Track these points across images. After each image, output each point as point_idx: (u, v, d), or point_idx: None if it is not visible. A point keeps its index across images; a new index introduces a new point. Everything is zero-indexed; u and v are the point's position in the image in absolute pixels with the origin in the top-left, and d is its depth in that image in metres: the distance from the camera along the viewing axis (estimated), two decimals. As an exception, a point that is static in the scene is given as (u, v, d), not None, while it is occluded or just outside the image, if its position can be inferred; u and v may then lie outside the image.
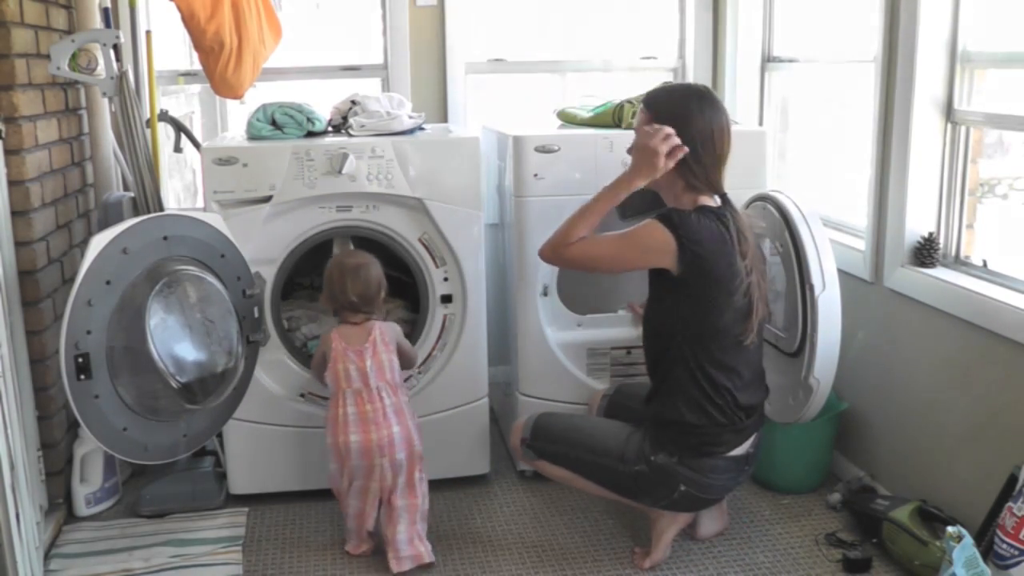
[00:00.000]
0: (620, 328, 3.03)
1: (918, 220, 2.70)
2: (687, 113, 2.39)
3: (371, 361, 2.60)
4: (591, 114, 3.10)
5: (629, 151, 2.50)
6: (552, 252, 2.51)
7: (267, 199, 2.75)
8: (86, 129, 3.14)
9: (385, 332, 2.66)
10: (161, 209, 2.94)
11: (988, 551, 2.17)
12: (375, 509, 2.65)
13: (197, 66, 3.24)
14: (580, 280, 3.17)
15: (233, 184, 2.73)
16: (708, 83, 3.75)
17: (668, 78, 3.81)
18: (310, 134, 2.91)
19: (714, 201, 2.43)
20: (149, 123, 3.02)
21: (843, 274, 2.63)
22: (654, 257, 2.36)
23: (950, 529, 2.13)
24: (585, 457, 2.52)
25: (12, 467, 2.17)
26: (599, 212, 2.47)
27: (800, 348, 2.59)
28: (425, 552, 2.59)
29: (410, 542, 2.59)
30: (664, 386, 2.45)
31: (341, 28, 3.83)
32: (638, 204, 3.22)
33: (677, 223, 2.33)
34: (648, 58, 3.86)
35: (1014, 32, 2.51)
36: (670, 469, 2.42)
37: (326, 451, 2.64)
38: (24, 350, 2.59)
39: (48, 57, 2.76)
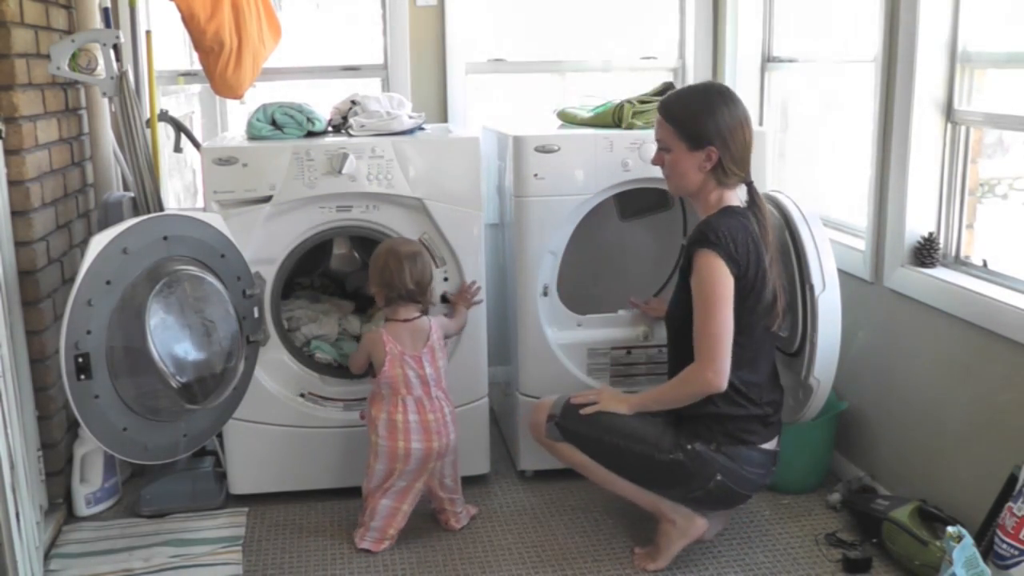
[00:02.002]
0: (620, 328, 3.03)
1: (918, 220, 2.70)
2: (708, 115, 2.38)
3: (431, 369, 2.64)
4: (591, 114, 3.10)
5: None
6: (708, 378, 2.34)
7: (267, 199, 2.75)
8: (86, 129, 3.14)
9: (440, 333, 2.70)
10: (161, 209, 2.94)
11: (988, 551, 2.17)
12: (412, 507, 2.68)
13: (197, 66, 3.24)
14: (580, 280, 3.18)
15: (233, 184, 2.73)
16: (708, 83, 3.75)
17: (668, 78, 3.80)
18: (310, 134, 2.91)
19: (739, 194, 2.45)
20: (149, 123, 3.02)
21: (843, 274, 2.63)
22: (729, 280, 2.33)
23: (950, 529, 2.13)
24: (618, 443, 2.46)
25: (12, 467, 2.17)
26: (650, 403, 2.51)
27: (800, 348, 2.59)
28: (470, 508, 2.84)
29: (463, 506, 2.80)
30: None
31: (341, 28, 3.83)
32: (637, 204, 3.24)
33: (714, 241, 2.32)
34: (648, 58, 3.86)
35: (1014, 32, 2.51)
36: (707, 457, 2.40)
37: (373, 452, 2.65)
38: (24, 350, 2.59)
39: (48, 57, 2.76)
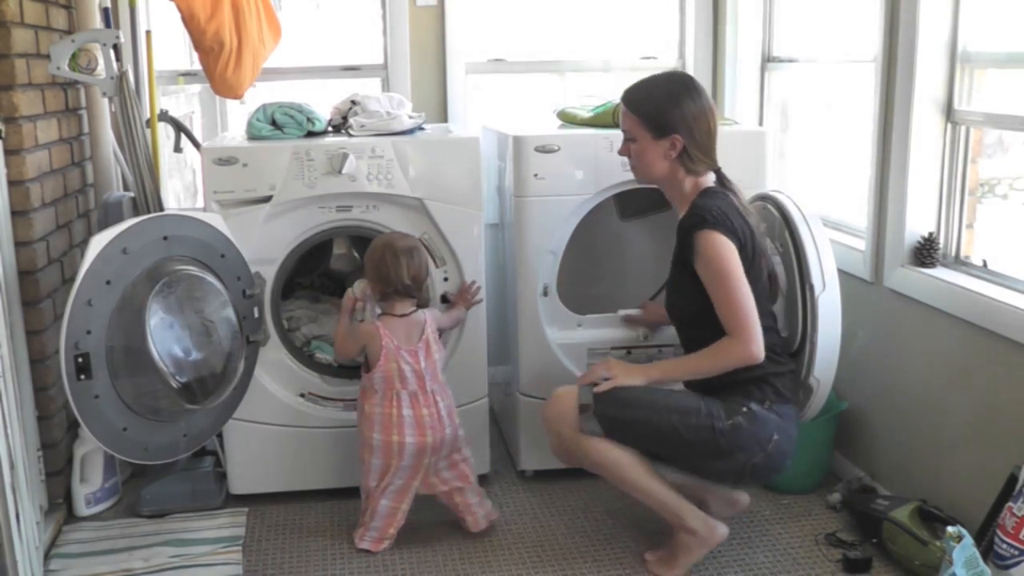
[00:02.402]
0: (620, 328, 3.03)
1: (918, 220, 2.70)
2: (672, 104, 2.42)
3: (426, 363, 2.63)
4: (591, 114, 3.10)
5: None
6: (750, 350, 2.33)
7: (267, 199, 2.75)
8: (86, 129, 3.14)
9: (434, 327, 2.69)
10: (161, 209, 2.95)
11: (988, 551, 2.17)
12: (409, 506, 2.68)
13: (197, 66, 3.24)
14: (580, 280, 3.18)
15: (233, 184, 2.73)
16: (708, 83, 3.75)
17: (668, 78, 3.80)
18: (310, 134, 2.91)
19: (710, 179, 2.47)
20: (149, 123, 3.03)
21: (843, 274, 2.63)
22: (737, 255, 2.35)
23: (950, 529, 2.13)
24: (671, 420, 2.37)
25: (12, 467, 2.17)
26: (677, 374, 2.49)
27: (800, 348, 2.59)
28: (492, 512, 2.77)
29: (479, 501, 2.74)
30: None
31: (341, 28, 3.83)
32: (637, 204, 3.24)
33: (712, 220, 2.34)
34: (648, 58, 3.86)
35: (1014, 32, 2.51)
36: (764, 416, 2.38)
37: (368, 447, 2.64)
38: (24, 350, 2.59)
39: (48, 57, 2.76)
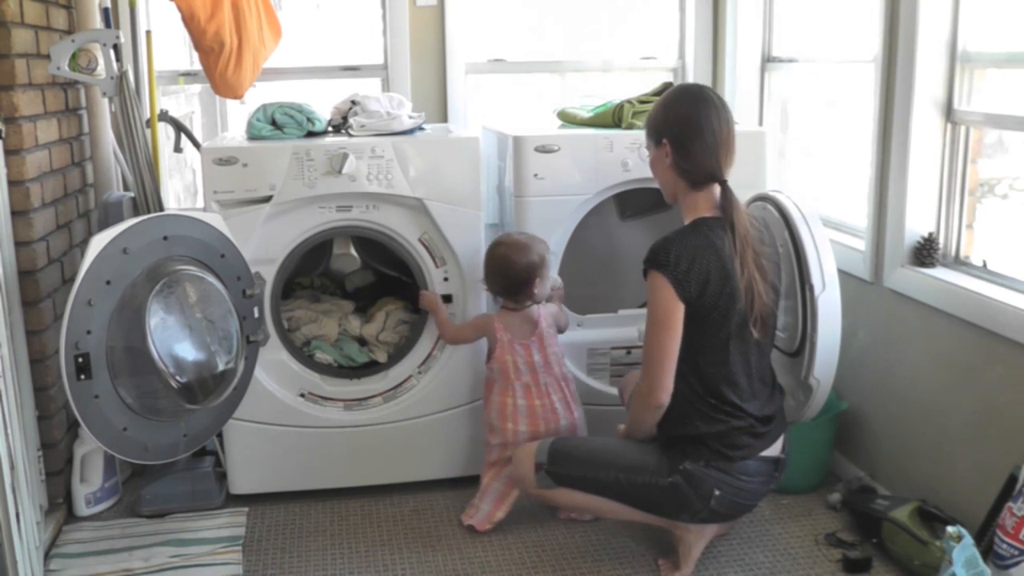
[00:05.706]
0: (620, 328, 3.03)
1: (918, 220, 2.70)
2: (661, 108, 2.41)
3: (539, 356, 2.71)
4: (591, 114, 3.10)
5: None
6: (654, 403, 2.37)
7: (267, 199, 2.75)
8: (86, 129, 3.14)
9: (550, 322, 2.76)
10: (161, 209, 2.95)
11: (988, 551, 2.17)
12: (519, 495, 2.74)
13: (197, 66, 3.24)
14: (580, 280, 3.18)
15: (233, 184, 2.73)
16: (708, 83, 3.75)
17: (668, 78, 3.81)
18: (310, 134, 2.91)
19: (714, 203, 2.38)
20: (149, 123, 3.03)
21: (843, 274, 2.63)
22: (674, 304, 2.30)
23: (950, 529, 2.13)
24: (617, 477, 2.43)
25: (12, 467, 2.17)
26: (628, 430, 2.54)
27: (800, 348, 2.59)
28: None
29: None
30: (673, 407, 2.38)
31: (341, 28, 3.83)
32: (637, 204, 3.24)
33: (663, 262, 2.30)
34: (648, 58, 3.86)
35: (1014, 32, 2.51)
36: (700, 475, 2.36)
37: (491, 429, 2.75)
38: (24, 350, 2.59)
39: (48, 57, 2.76)
